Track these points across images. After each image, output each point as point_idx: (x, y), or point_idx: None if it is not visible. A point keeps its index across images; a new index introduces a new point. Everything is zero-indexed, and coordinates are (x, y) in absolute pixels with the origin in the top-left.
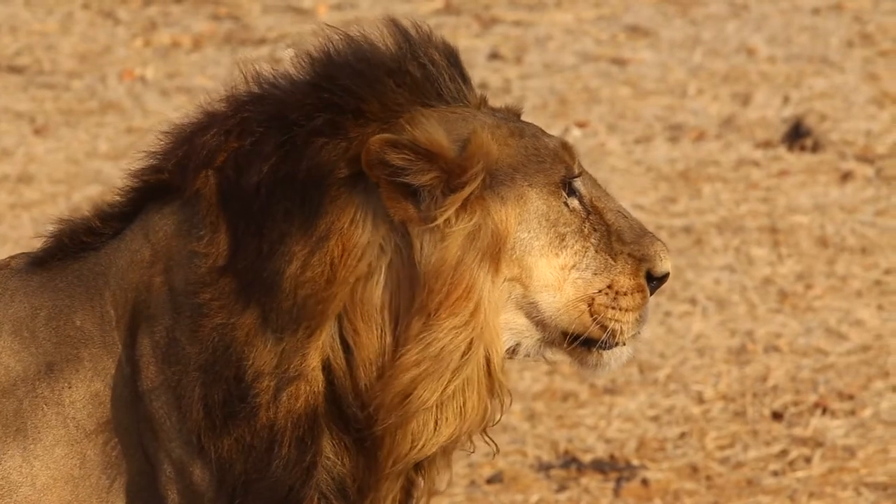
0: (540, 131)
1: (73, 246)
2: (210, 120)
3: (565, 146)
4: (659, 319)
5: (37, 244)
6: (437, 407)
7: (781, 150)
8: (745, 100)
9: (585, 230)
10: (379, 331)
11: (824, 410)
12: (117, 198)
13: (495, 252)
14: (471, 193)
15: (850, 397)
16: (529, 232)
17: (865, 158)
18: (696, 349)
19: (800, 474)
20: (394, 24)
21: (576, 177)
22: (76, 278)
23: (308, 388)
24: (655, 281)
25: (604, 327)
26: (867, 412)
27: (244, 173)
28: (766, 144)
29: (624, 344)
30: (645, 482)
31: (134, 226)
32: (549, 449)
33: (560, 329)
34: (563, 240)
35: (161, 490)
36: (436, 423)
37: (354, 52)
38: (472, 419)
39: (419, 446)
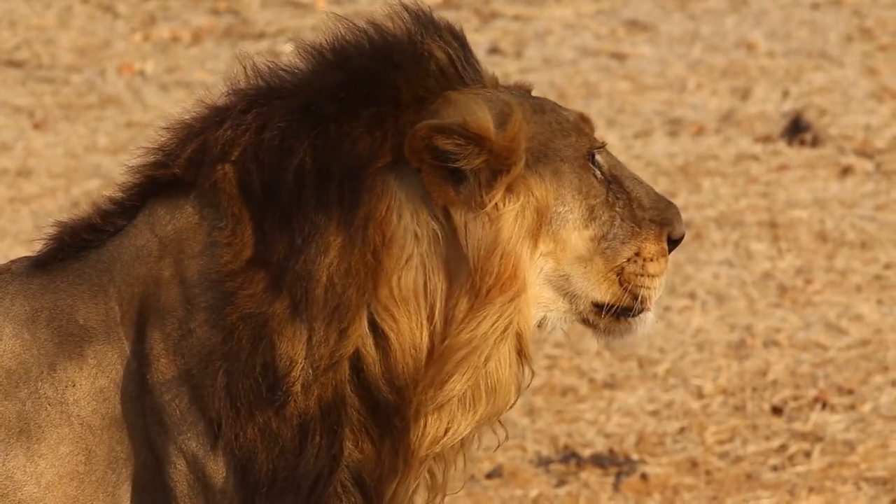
0: (557, 105)
1: (75, 244)
2: (222, 114)
3: (583, 118)
4: (658, 314)
5: (36, 243)
6: (473, 383)
7: (781, 145)
8: (745, 94)
9: (610, 200)
10: (416, 316)
11: (824, 405)
12: (118, 194)
13: (536, 229)
14: (518, 174)
15: (850, 392)
16: (565, 206)
17: (865, 153)
18: (695, 344)
19: (799, 469)
20: (405, 9)
21: (600, 147)
22: (77, 277)
23: (337, 376)
24: (672, 243)
25: (635, 295)
26: (867, 407)
27: (269, 166)
28: (766, 139)
29: (649, 309)
30: (644, 477)
31: (138, 221)
32: (549, 444)
33: (591, 300)
34: (592, 211)
35: (168, 482)
36: (470, 401)
37: (374, 42)
38: (504, 396)
39: (455, 428)
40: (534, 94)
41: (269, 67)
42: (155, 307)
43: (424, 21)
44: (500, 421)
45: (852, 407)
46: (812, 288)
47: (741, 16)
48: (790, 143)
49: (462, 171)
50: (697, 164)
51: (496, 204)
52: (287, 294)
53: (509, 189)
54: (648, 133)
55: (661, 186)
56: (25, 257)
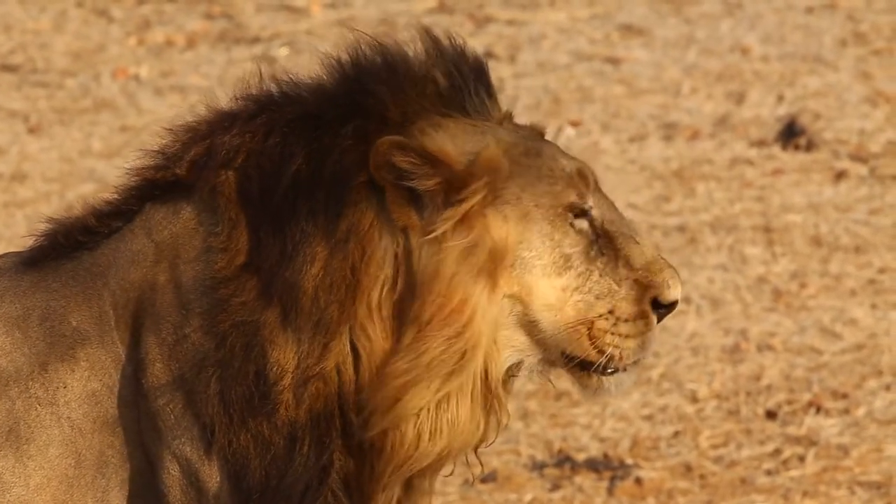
0: (560, 153)
1: (69, 245)
2: (230, 119)
3: (581, 172)
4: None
5: (28, 243)
6: (428, 414)
7: (775, 149)
8: (739, 99)
9: (592, 253)
10: (387, 337)
11: (818, 409)
12: (115, 196)
13: (493, 268)
14: (471, 208)
15: (844, 396)
16: (531, 251)
17: (859, 157)
18: (689, 348)
19: (793, 473)
20: (426, 32)
21: (586, 204)
22: (71, 278)
23: (326, 388)
24: (663, 308)
25: (601, 352)
26: (861, 411)
27: (268, 172)
28: (760, 143)
29: (624, 370)
30: (639, 481)
31: (134, 225)
32: (543, 448)
33: (559, 349)
34: (567, 261)
35: (161, 488)
36: (431, 432)
37: (384, 59)
38: (465, 431)
39: (415, 455)
40: (547, 137)
41: (286, 75)
42: (150, 312)
43: (443, 46)
44: (475, 454)
45: (846, 411)
46: (806, 292)
47: (736, 20)
48: (785, 147)
49: (419, 193)
50: (692, 168)
51: (445, 233)
52: (278, 302)
53: (463, 222)
54: (643, 137)
55: (655, 190)
56: (12, 253)
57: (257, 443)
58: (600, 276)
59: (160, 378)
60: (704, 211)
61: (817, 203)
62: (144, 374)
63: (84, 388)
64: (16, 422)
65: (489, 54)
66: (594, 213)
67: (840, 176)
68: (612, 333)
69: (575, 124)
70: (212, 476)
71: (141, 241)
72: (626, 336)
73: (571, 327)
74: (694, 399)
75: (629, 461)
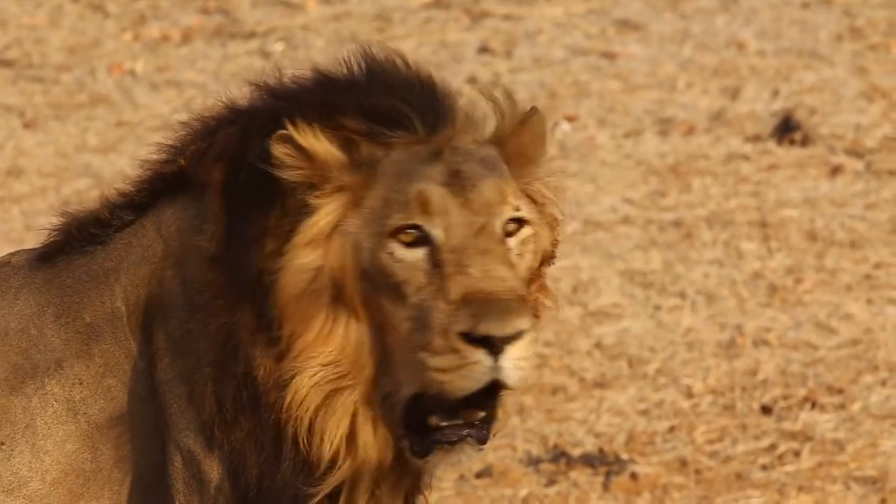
0: (432, 176)
1: (81, 238)
2: (237, 114)
3: (421, 196)
4: (648, 313)
5: (25, 237)
6: (314, 427)
7: (771, 144)
8: (735, 94)
9: (423, 282)
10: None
11: (813, 404)
12: (128, 188)
13: (337, 294)
14: (318, 232)
15: (840, 391)
16: (366, 280)
17: (855, 152)
18: (685, 343)
19: (789, 468)
20: (370, 56)
21: (419, 231)
22: (84, 274)
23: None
24: (481, 341)
25: (428, 385)
26: (856, 406)
27: (247, 165)
28: (756, 138)
29: (456, 401)
30: (634, 476)
31: (146, 220)
32: (539, 443)
33: (401, 380)
34: (397, 289)
35: (168, 479)
36: (330, 443)
37: (324, 75)
38: (338, 443)
39: (338, 463)
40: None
41: (288, 72)
42: (159, 307)
43: (382, 69)
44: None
45: (842, 406)
46: (802, 287)
47: (731, 15)
48: (780, 142)
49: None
50: (688, 163)
51: (290, 253)
52: (249, 302)
53: (311, 245)
54: (639, 132)
55: (651, 186)
56: (26, 250)
57: (251, 441)
58: (427, 308)
59: (168, 372)
60: (700, 206)
61: (813, 198)
62: (155, 369)
63: (99, 384)
64: (32, 418)
65: (485, 49)
66: (436, 239)
67: (836, 171)
68: (429, 369)
69: (571, 119)
70: (213, 470)
71: (151, 237)
72: (441, 370)
73: (407, 360)
74: (689, 394)
75: (624, 456)
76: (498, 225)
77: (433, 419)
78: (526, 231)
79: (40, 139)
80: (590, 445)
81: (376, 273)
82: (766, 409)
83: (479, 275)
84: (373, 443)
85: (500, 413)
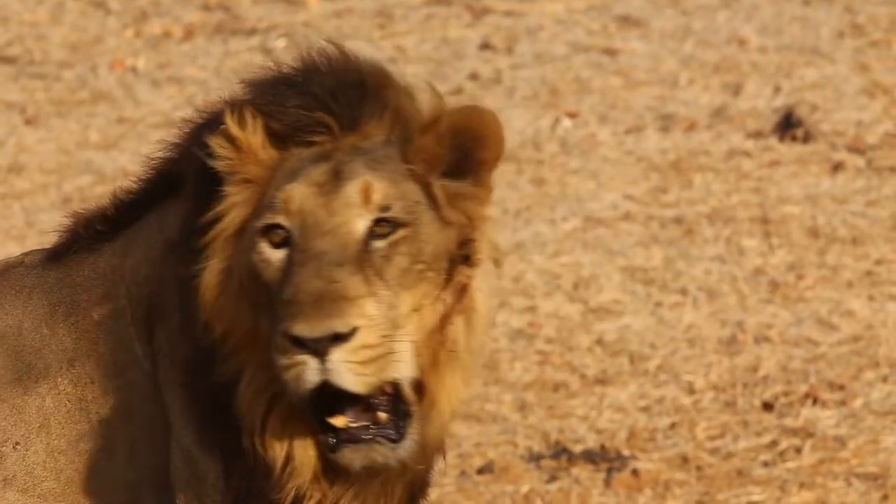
0: (310, 176)
1: (88, 235)
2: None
3: (285, 196)
4: (649, 310)
5: (27, 233)
6: (265, 432)
7: (772, 141)
8: (736, 90)
9: (276, 283)
10: None
11: (815, 401)
12: (134, 185)
13: (249, 293)
14: (225, 231)
15: (841, 388)
16: (250, 279)
17: (856, 149)
18: (686, 339)
19: (790, 465)
20: (309, 50)
21: (278, 231)
22: (92, 272)
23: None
24: (301, 342)
25: (284, 383)
26: (858, 402)
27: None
28: (757, 135)
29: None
30: (635, 472)
31: (151, 218)
32: (540, 439)
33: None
34: (264, 289)
35: (171, 479)
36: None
37: (270, 73)
38: (283, 448)
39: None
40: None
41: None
42: (160, 307)
43: (327, 66)
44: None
45: (843, 403)
46: (803, 284)
47: (733, 11)
48: (782, 138)
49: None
50: (689, 159)
51: (208, 252)
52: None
53: (221, 244)
54: (640, 129)
55: (652, 182)
56: (39, 250)
57: (239, 444)
58: (270, 306)
59: (168, 372)
60: (701, 202)
61: (814, 194)
62: (157, 370)
63: (109, 383)
64: (46, 418)
65: (487, 45)
66: (294, 239)
67: (837, 167)
68: (276, 368)
69: (572, 116)
70: (208, 469)
71: (154, 237)
72: (283, 368)
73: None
74: (691, 390)
75: (626, 452)
76: (358, 226)
77: (339, 419)
78: (400, 233)
79: (42, 136)
80: (591, 442)
81: (252, 272)
82: (767, 406)
83: (308, 275)
84: (302, 443)
85: (414, 410)
